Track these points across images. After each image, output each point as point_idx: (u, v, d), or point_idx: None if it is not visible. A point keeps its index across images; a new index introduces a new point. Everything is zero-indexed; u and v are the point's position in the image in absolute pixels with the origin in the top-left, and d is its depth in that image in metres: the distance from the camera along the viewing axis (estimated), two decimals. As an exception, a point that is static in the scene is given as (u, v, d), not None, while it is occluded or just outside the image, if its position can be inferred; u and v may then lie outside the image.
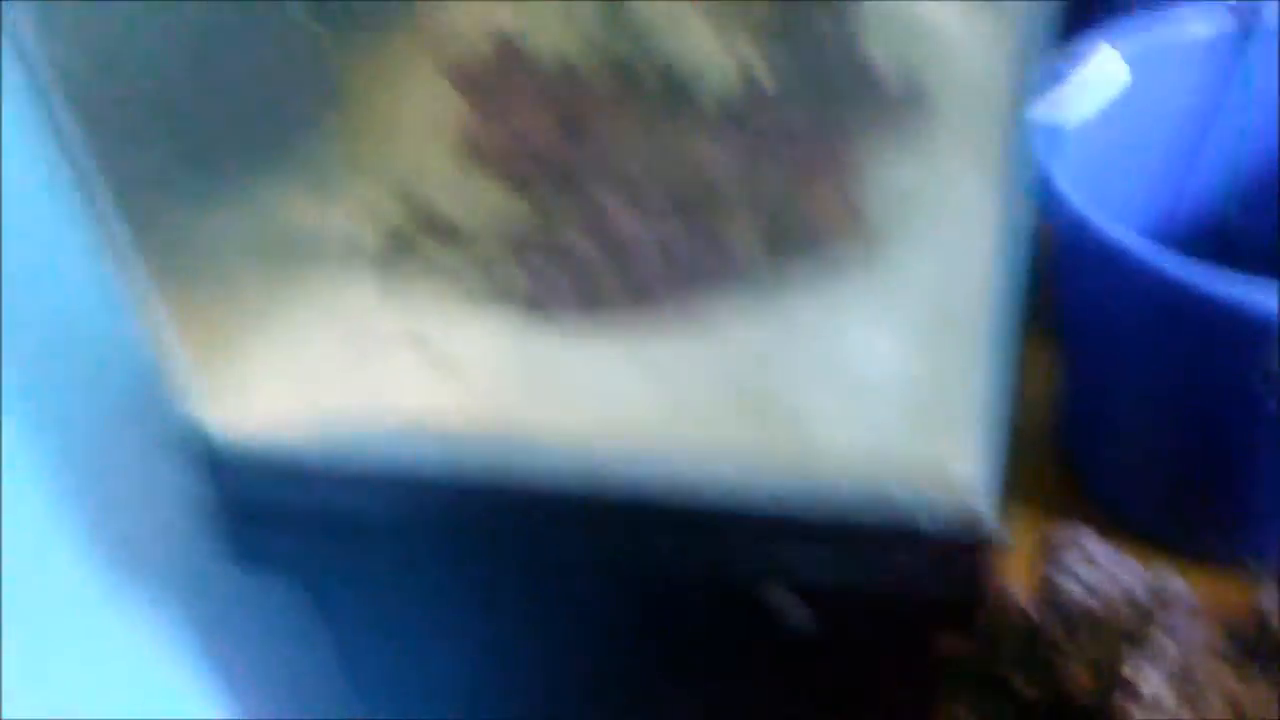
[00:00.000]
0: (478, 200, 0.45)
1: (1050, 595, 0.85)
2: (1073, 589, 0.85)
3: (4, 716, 0.58)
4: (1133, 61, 0.98)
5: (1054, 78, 0.94)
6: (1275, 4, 1.02)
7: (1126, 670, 0.76)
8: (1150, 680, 0.74)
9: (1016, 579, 0.90)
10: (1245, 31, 1.03)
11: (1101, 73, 0.98)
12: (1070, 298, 1.01)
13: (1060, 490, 1.09)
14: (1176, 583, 0.86)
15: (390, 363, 0.49)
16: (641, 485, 0.46)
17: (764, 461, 0.45)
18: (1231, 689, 0.77)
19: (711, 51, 0.43)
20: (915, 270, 0.42)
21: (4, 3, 0.43)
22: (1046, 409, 1.18)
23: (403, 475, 0.49)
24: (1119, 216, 0.84)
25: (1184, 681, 0.76)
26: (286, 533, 0.54)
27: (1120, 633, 0.80)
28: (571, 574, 0.51)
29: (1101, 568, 0.87)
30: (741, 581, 0.48)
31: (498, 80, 0.43)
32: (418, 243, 0.46)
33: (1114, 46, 0.99)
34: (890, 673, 0.53)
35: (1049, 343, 1.16)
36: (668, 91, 0.43)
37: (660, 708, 0.60)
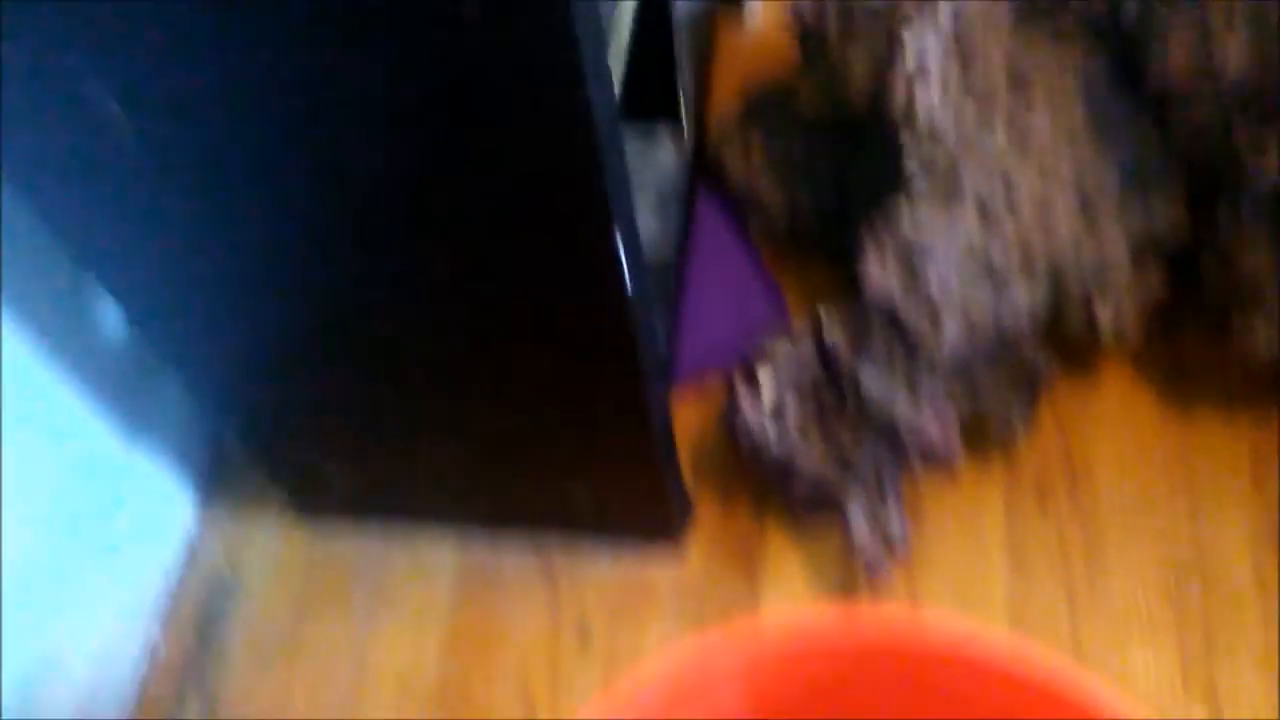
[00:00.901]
0: None
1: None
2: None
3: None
4: None
5: None
6: None
7: (901, 36, 0.70)
8: (921, 41, 0.69)
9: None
10: None
11: None
12: None
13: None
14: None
15: None
16: None
17: None
18: (1010, 50, 0.72)
19: None
20: None
21: None
22: None
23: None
24: None
25: (958, 44, 0.71)
26: None
27: (898, 21, 0.74)
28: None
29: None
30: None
31: None
32: None
33: None
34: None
35: None
36: None
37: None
